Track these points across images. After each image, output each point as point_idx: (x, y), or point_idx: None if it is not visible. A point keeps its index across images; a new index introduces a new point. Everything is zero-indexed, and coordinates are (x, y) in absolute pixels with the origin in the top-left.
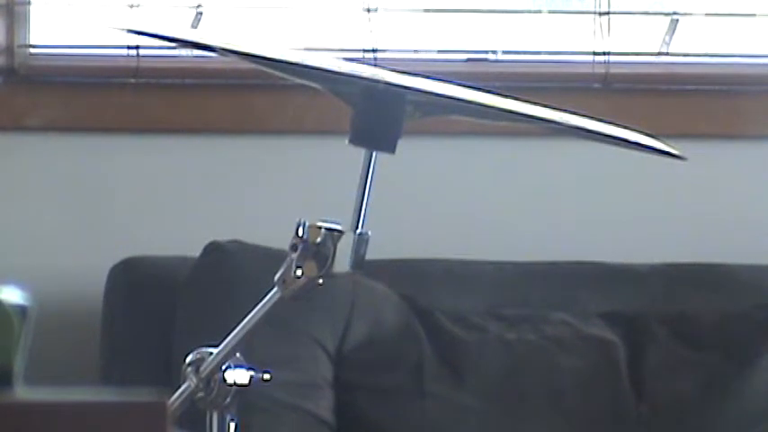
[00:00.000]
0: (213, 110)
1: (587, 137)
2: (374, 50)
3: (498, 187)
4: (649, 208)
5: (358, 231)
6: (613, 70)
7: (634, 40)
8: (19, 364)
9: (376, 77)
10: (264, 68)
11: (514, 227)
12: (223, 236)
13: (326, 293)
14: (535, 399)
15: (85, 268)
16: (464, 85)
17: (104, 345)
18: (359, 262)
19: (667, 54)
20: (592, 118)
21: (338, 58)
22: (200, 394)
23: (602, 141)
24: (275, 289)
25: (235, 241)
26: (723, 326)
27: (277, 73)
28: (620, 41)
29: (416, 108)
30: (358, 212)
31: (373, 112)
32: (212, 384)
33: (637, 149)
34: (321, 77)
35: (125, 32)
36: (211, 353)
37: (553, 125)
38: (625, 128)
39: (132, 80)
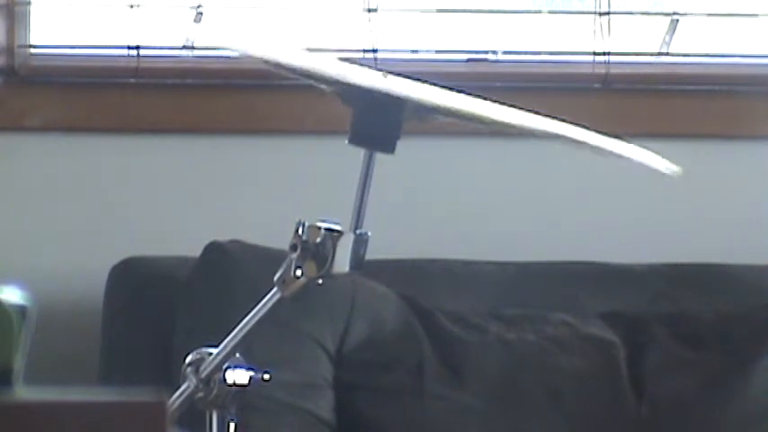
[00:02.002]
0: (213, 110)
1: (579, 147)
2: (374, 50)
3: (498, 187)
4: (649, 208)
5: (357, 231)
6: (613, 70)
7: (634, 40)
8: (19, 364)
9: (375, 85)
10: (266, 65)
11: (514, 227)
12: (223, 236)
13: (326, 294)
14: (535, 399)
15: (85, 268)
16: (462, 91)
17: (104, 345)
18: (358, 262)
19: (667, 54)
20: (587, 127)
21: (342, 60)
22: (200, 394)
23: (594, 152)
24: (275, 289)
25: (235, 241)
26: (723, 326)
27: (281, 71)
28: (620, 41)
29: (416, 111)
30: (357, 213)
31: (373, 112)
32: (212, 384)
33: (630, 162)
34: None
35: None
36: (211, 353)
37: (547, 135)
38: (621, 138)
39: (132, 80)
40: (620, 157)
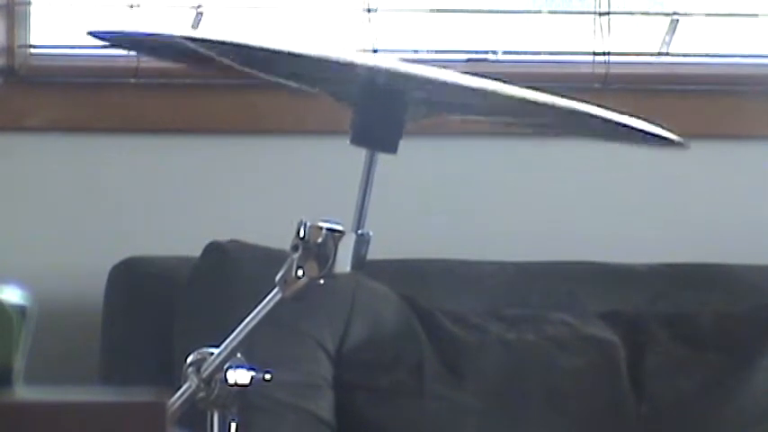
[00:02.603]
0: (213, 110)
1: (587, 130)
2: (374, 50)
3: (498, 187)
4: (649, 208)
5: (359, 232)
6: (613, 70)
7: (634, 40)
8: (19, 364)
9: (377, 67)
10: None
11: (514, 227)
12: (223, 236)
13: (326, 294)
14: (535, 399)
15: (85, 268)
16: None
17: (104, 345)
18: (360, 262)
19: (667, 54)
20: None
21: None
22: (202, 394)
23: (600, 132)
24: (276, 289)
25: (235, 241)
26: (723, 326)
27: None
28: (620, 41)
29: (418, 108)
30: (359, 213)
31: (374, 111)
32: (213, 385)
33: (638, 140)
34: (319, 77)
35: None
36: (212, 353)
37: (555, 112)
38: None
39: (132, 80)
40: (628, 134)
